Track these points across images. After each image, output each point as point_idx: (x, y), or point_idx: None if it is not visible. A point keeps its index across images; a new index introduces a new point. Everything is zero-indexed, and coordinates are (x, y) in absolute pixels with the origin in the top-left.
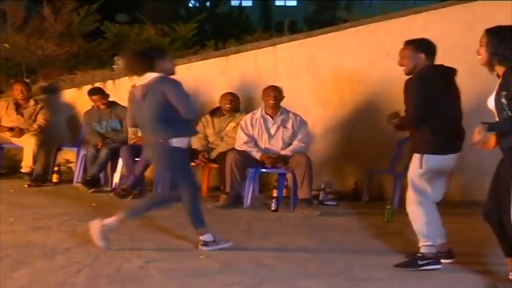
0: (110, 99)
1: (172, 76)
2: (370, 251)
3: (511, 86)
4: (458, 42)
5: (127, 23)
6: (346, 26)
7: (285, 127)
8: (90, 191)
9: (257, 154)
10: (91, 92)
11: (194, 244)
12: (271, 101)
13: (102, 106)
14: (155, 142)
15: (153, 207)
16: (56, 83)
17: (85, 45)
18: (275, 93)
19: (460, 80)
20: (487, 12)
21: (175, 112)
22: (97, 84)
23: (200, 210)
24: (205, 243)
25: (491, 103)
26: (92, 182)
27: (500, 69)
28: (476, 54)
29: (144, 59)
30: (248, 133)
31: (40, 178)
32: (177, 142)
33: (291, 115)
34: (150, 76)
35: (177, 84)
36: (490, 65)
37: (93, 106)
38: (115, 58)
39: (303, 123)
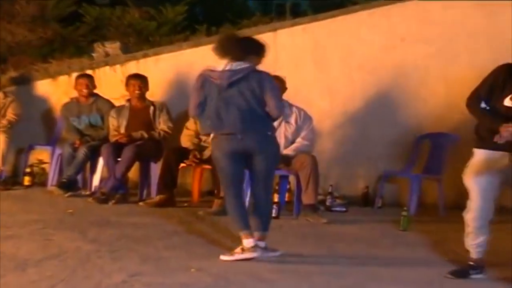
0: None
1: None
2: (384, 263)
3: None
4: (480, 28)
5: (108, 5)
6: (356, 9)
7: (287, 122)
8: (66, 195)
9: None
10: (80, 76)
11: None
12: None
13: (84, 90)
14: (264, 134)
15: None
16: (28, 73)
17: (61, 30)
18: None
19: (483, 66)
20: None
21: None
22: (74, 75)
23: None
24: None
25: None
26: (69, 185)
27: None
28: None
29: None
30: None
31: (10, 181)
32: None
33: (294, 109)
34: (242, 64)
35: (272, 79)
36: None
37: (72, 99)
38: (95, 45)
39: (307, 118)
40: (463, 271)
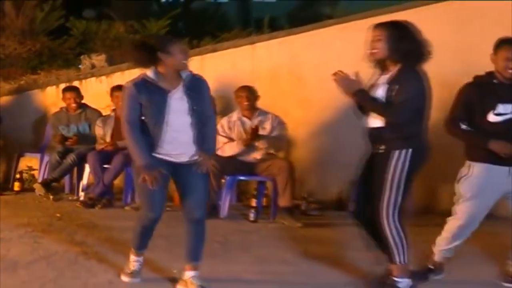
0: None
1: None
2: (356, 264)
3: None
4: (449, 41)
5: (94, 19)
6: (331, 23)
7: (263, 128)
8: (48, 195)
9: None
10: (67, 89)
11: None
12: (245, 103)
13: (73, 105)
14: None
15: None
16: (18, 84)
17: (49, 43)
18: (248, 94)
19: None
20: (482, 10)
21: None
22: (62, 86)
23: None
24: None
25: None
26: (50, 184)
27: None
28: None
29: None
30: (227, 136)
31: (0, 186)
32: None
33: (269, 115)
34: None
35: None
36: None
37: (61, 108)
38: (82, 57)
39: (281, 122)
40: (423, 274)
